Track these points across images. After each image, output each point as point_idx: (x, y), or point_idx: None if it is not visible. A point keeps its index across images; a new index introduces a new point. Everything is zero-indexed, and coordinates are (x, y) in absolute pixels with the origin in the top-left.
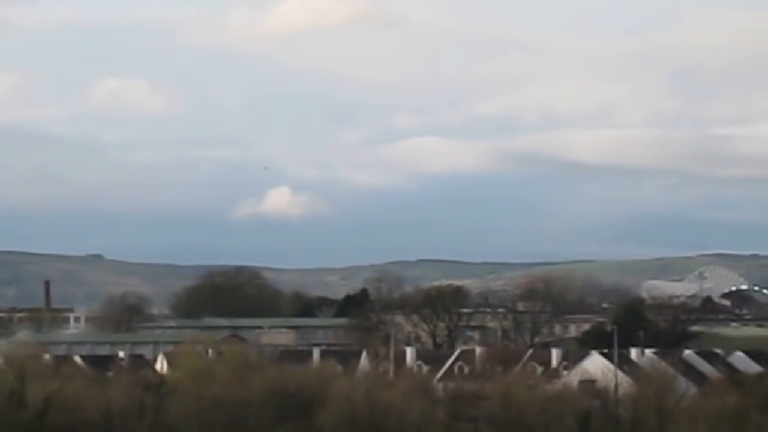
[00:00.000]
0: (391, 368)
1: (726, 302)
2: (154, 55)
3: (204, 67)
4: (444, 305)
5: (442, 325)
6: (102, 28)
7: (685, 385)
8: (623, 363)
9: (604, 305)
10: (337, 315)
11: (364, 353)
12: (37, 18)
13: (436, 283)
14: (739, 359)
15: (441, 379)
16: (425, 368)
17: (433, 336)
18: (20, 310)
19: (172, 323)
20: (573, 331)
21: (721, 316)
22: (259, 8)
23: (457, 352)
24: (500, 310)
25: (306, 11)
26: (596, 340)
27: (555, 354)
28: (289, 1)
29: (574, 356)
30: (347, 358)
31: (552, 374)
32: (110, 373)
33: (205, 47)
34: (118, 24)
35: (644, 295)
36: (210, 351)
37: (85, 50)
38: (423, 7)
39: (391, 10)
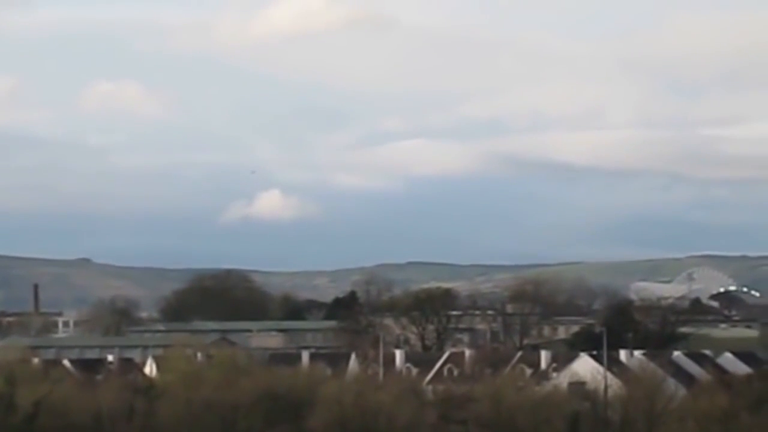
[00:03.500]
0: (381, 371)
1: (715, 303)
2: (144, 60)
3: (194, 71)
4: (433, 308)
5: (431, 327)
6: (93, 32)
7: (674, 387)
8: (612, 365)
9: (593, 307)
10: (327, 318)
11: (354, 356)
12: (30, 22)
13: (425, 286)
14: (728, 360)
15: (430, 381)
16: (414, 371)
17: (423, 338)
18: (9, 315)
19: (161, 327)
20: (562, 333)
21: (709, 318)
22: (250, 12)
23: (446, 355)
24: (489, 312)
25: (297, 15)
26: (585, 342)
27: (544, 356)
28: (279, 5)
29: (563, 358)
30: (336, 360)
31: (541, 376)
32: (99, 377)
33: (196, 51)
34: (110, 28)
35: (633, 296)
36: (199, 354)
37: (76, 54)
38: (413, 10)
39: (382, 13)
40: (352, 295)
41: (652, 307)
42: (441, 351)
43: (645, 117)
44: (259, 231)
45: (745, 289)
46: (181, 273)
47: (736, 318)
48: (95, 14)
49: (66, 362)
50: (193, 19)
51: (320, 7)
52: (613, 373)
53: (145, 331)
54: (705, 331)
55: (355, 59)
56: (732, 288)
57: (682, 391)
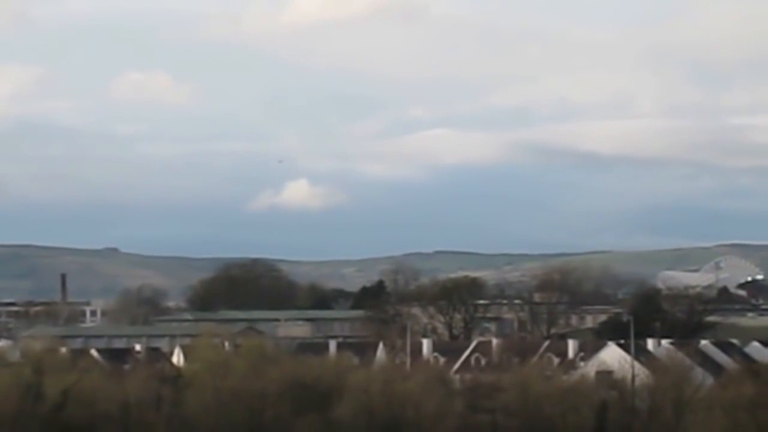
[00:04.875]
0: (408, 360)
1: (742, 292)
2: (172, 49)
3: (222, 60)
4: (460, 297)
5: (458, 316)
6: (122, 22)
7: (701, 376)
8: (640, 354)
9: (620, 296)
10: (354, 307)
11: (381, 345)
12: (59, 12)
13: (453, 275)
14: (756, 349)
15: (458, 370)
16: (442, 360)
17: (450, 327)
18: (37, 304)
19: (189, 316)
20: (589, 322)
21: (737, 306)
22: (278, 1)
23: (473, 344)
24: (517, 301)
25: (325, 3)
26: (613, 331)
27: (571, 345)
28: None
29: (590, 347)
30: (364, 350)
31: (569, 365)
32: (127, 366)
33: (224, 40)
34: (139, 18)
35: (660, 285)
36: (226, 343)
37: (105, 44)
38: None
39: (411, 2)
40: (380, 284)
41: (679, 296)
42: (468, 340)
43: (672, 106)
44: (286, 220)
45: None
46: (208, 262)
47: (764, 307)
48: (124, 4)
49: (93, 352)
50: (222, 8)
51: None
52: (640, 362)
53: (173, 321)
54: (732, 320)
55: (383, 48)
56: (759, 277)
57: (709, 380)
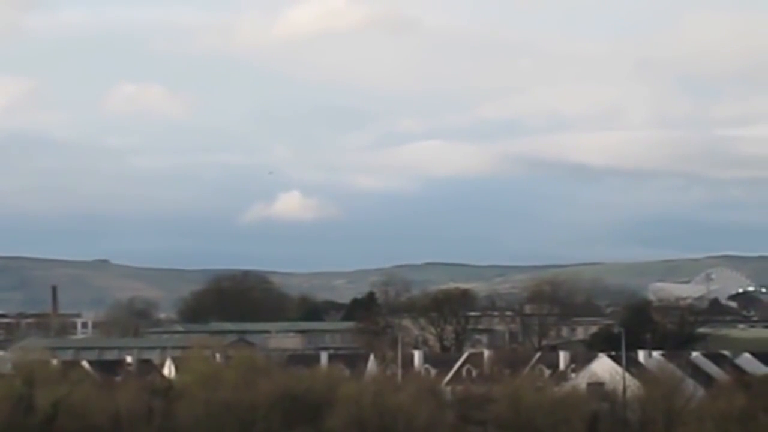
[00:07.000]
0: (399, 372)
1: (733, 304)
2: (164, 61)
3: (215, 72)
4: (451, 308)
5: (449, 328)
6: (115, 35)
7: (692, 387)
8: (631, 365)
9: (611, 308)
10: (345, 319)
11: (372, 357)
12: (52, 24)
13: (443, 287)
14: (747, 361)
15: (449, 382)
16: (433, 371)
17: (441, 339)
18: (27, 316)
19: (179, 328)
20: (580, 333)
21: (728, 318)
22: (271, 13)
23: (464, 356)
24: (508, 313)
25: (318, 16)
26: (604, 343)
27: (563, 356)
28: (301, 6)
29: (581, 359)
30: (355, 361)
31: (560, 377)
32: (118, 378)
33: (217, 52)
34: (132, 30)
35: (651, 297)
36: (217, 355)
37: (97, 56)
38: (434, 11)
39: (404, 14)
40: (371, 296)
41: (670, 307)
42: (460, 352)
43: (662, 117)
44: (277, 232)
45: (763, 290)
46: (199, 274)
47: (755, 318)
48: (117, 17)
49: (84, 363)
50: (215, 20)
51: (341, 7)
52: (631, 373)
53: (164, 332)
54: (723, 331)
55: (375, 60)
56: (750, 288)
57: (700, 392)
